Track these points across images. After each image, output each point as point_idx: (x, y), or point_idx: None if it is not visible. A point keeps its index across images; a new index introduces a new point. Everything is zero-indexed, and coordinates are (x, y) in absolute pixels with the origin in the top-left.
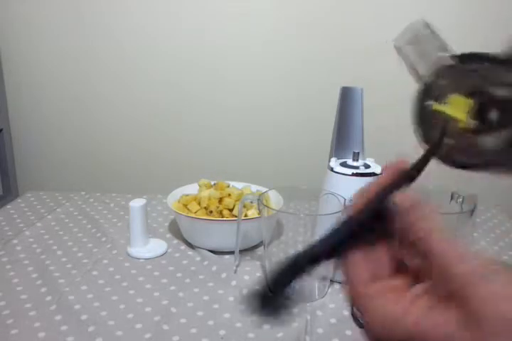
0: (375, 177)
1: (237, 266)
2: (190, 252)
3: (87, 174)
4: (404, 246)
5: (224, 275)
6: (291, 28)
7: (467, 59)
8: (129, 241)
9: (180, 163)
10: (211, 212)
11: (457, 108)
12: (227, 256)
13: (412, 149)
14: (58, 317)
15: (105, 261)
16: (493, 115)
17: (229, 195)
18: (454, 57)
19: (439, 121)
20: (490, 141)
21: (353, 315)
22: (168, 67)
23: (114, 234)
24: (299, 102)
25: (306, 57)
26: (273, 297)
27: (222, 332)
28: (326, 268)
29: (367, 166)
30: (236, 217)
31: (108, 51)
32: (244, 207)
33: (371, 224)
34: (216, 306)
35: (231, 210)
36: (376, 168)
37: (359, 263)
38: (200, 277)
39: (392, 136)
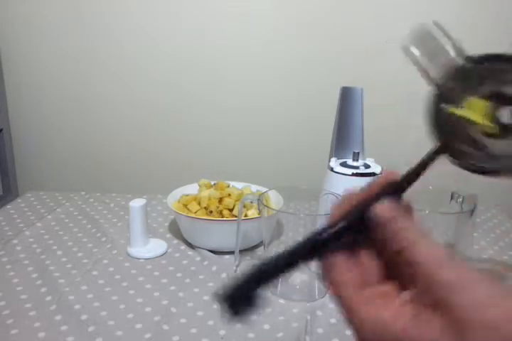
0: (373, 177)
1: (237, 266)
2: (190, 252)
3: (87, 174)
4: (388, 255)
5: (224, 275)
6: (291, 28)
7: (483, 60)
8: (129, 241)
9: (180, 163)
10: (211, 212)
11: (474, 111)
12: (227, 256)
13: (412, 149)
14: (58, 317)
15: (105, 261)
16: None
17: (229, 195)
18: (468, 58)
19: (455, 125)
20: (509, 144)
21: None
22: (168, 67)
23: (114, 234)
24: (299, 102)
25: (306, 57)
26: (241, 297)
27: (222, 332)
28: None
29: (367, 166)
30: (236, 217)
31: (108, 51)
32: (244, 207)
33: (348, 234)
34: (216, 306)
35: (231, 210)
36: (376, 168)
37: (347, 269)
38: (200, 277)
39: (392, 136)
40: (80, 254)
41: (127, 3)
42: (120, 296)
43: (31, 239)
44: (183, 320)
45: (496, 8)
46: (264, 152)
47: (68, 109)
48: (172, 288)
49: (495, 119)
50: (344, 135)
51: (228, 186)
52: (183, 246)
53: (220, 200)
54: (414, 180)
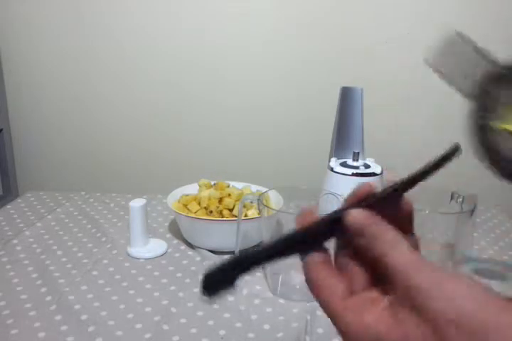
0: (373, 177)
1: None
2: (190, 252)
3: (87, 174)
4: (370, 261)
5: None
6: (291, 28)
7: None
8: (129, 241)
9: (180, 163)
10: (211, 212)
11: None
12: (227, 256)
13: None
14: (58, 317)
15: (105, 261)
16: None
17: (229, 195)
18: (504, 67)
19: (498, 136)
20: None
21: None
22: (168, 67)
23: (114, 234)
24: (299, 102)
25: (306, 57)
26: (217, 281)
27: (222, 332)
28: None
29: (367, 166)
30: (236, 217)
31: (108, 51)
32: (244, 207)
33: (323, 238)
34: (216, 306)
35: (231, 210)
36: (376, 168)
37: (330, 274)
38: (200, 277)
39: (392, 136)
40: (80, 254)
41: (127, 3)
42: (120, 296)
43: (31, 239)
44: (183, 320)
45: (496, 8)
46: (264, 152)
47: (68, 109)
48: (172, 288)
49: None
50: (344, 135)
51: (228, 186)
52: (183, 246)
53: (220, 200)
54: (419, 181)
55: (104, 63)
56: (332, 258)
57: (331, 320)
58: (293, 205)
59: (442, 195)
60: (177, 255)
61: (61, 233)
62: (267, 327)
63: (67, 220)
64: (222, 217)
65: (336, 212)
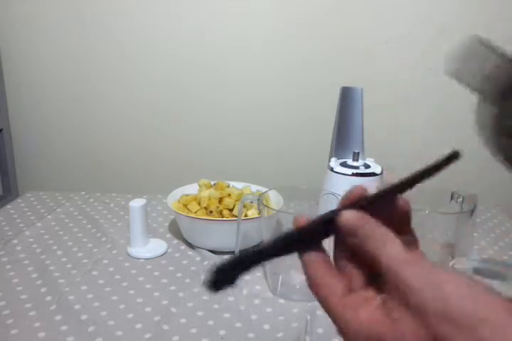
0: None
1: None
2: (190, 252)
3: (87, 174)
4: (363, 262)
5: None
6: (291, 28)
7: None
8: (129, 241)
9: (180, 163)
10: (211, 212)
11: None
12: (227, 256)
13: (411, 149)
14: (58, 317)
15: (105, 261)
16: None
17: (229, 195)
18: None
19: None
20: None
21: None
22: (168, 67)
23: (114, 234)
24: (299, 102)
25: (306, 57)
26: (221, 279)
27: (222, 332)
28: None
29: (367, 166)
30: (236, 217)
31: (108, 51)
32: (244, 207)
33: (318, 237)
34: (216, 306)
35: (231, 210)
36: (376, 168)
37: (329, 273)
38: (200, 277)
39: (392, 136)
40: (80, 254)
41: (127, 3)
42: (120, 296)
43: (31, 239)
44: (183, 320)
45: (496, 8)
46: (264, 152)
47: (68, 109)
48: (172, 288)
49: None
50: (344, 135)
51: (228, 186)
52: (183, 246)
53: (220, 200)
54: (415, 184)
55: (104, 63)
56: (332, 260)
57: (330, 317)
58: (293, 205)
59: (442, 195)
60: (177, 255)
61: (61, 233)
62: (267, 327)
63: (67, 220)
64: (222, 217)
65: (330, 213)
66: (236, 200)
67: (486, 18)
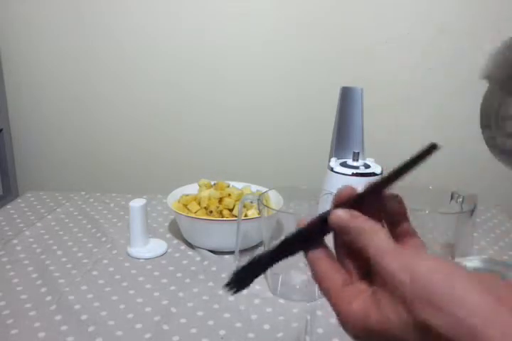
0: (374, 177)
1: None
2: (190, 252)
3: (87, 174)
4: (358, 256)
5: (224, 275)
6: (291, 28)
7: None
8: (129, 241)
9: (180, 163)
10: (211, 212)
11: None
12: (227, 256)
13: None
14: (58, 317)
15: (105, 261)
16: None
17: (229, 195)
18: None
19: None
20: None
21: None
22: (168, 67)
23: (114, 234)
24: (299, 102)
25: (306, 57)
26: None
27: (222, 332)
28: None
29: (367, 166)
30: (236, 217)
31: (108, 51)
32: (244, 207)
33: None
34: (216, 306)
35: (231, 210)
36: (376, 168)
37: (331, 267)
38: (200, 277)
39: (392, 136)
40: (80, 254)
41: (127, 3)
42: (120, 296)
43: (31, 239)
44: (183, 320)
45: (496, 8)
46: (264, 152)
47: (68, 109)
48: (172, 288)
49: None
50: (344, 135)
51: (228, 186)
52: (183, 246)
53: (220, 200)
54: (396, 180)
55: (104, 63)
56: (335, 255)
57: (332, 308)
58: (293, 205)
59: (442, 195)
60: (177, 255)
61: (61, 233)
62: (267, 327)
63: (67, 220)
64: (222, 217)
65: (325, 213)
66: (236, 200)
67: (486, 18)
